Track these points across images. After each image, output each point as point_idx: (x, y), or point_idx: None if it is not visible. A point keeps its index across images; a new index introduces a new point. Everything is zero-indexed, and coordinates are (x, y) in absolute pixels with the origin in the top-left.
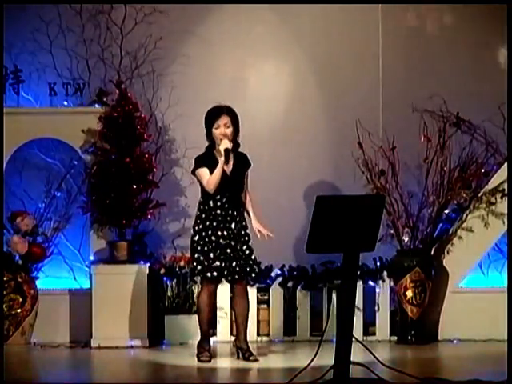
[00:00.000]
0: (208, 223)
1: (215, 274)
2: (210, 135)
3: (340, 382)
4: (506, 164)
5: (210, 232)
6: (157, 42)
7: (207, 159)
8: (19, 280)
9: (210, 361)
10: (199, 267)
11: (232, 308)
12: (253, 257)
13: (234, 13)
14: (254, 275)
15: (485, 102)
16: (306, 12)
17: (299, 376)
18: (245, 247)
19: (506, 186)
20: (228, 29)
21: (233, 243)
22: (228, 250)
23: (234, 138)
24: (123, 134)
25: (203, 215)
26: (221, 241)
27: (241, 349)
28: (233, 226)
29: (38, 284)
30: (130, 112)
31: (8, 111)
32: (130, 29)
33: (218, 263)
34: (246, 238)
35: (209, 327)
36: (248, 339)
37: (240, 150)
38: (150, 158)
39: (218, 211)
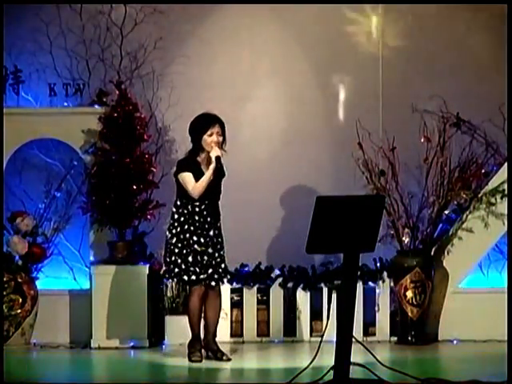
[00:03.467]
0: (186, 227)
1: (193, 277)
2: (198, 141)
3: (340, 383)
4: (505, 164)
5: (187, 236)
6: (157, 42)
7: (191, 164)
8: (19, 280)
9: (201, 360)
10: (176, 270)
11: (204, 310)
12: (223, 265)
13: (234, 13)
14: (222, 283)
15: (485, 102)
16: (306, 12)
17: (299, 376)
18: (218, 254)
19: (505, 186)
20: (228, 29)
21: (210, 250)
22: (205, 257)
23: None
24: (123, 134)
25: (181, 219)
26: (196, 247)
27: (211, 350)
28: (211, 233)
29: (38, 284)
30: (129, 112)
31: (8, 111)
32: (129, 29)
33: (195, 268)
34: (220, 246)
35: (199, 328)
36: (248, 339)
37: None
38: (150, 159)
39: (197, 217)
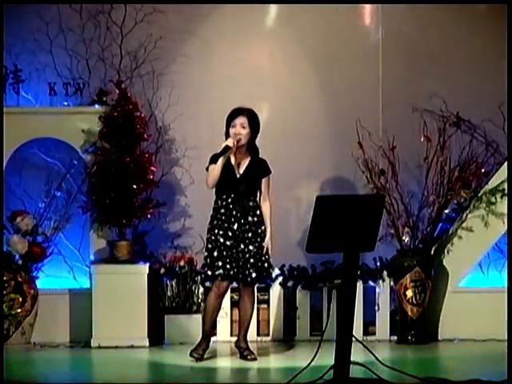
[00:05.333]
0: (215, 222)
1: (217, 272)
2: (227, 134)
3: (340, 382)
4: (505, 164)
5: (216, 231)
6: (157, 42)
7: (219, 157)
8: (19, 280)
9: (200, 359)
10: (206, 265)
11: (238, 308)
12: (252, 260)
13: (233, 13)
14: (249, 279)
15: (485, 102)
16: (307, 12)
17: (299, 376)
18: (248, 249)
19: (505, 185)
20: (228, 28)
21: (236, 244)
22: (233, 251)
23: (252, 141)
24: (123, 133)
25: (214, 214)
26: (222, 240)
27: (240, 347)
28: (235, 226)
29: (38, 284)
30: (130, 112)
31: (8, 111)
32: (130, 28)
33: (220, 263)
34: (253, 240)
35: (211, 327)
36: (248, 339)
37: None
38: (150, 158)
39: (223, 210)
